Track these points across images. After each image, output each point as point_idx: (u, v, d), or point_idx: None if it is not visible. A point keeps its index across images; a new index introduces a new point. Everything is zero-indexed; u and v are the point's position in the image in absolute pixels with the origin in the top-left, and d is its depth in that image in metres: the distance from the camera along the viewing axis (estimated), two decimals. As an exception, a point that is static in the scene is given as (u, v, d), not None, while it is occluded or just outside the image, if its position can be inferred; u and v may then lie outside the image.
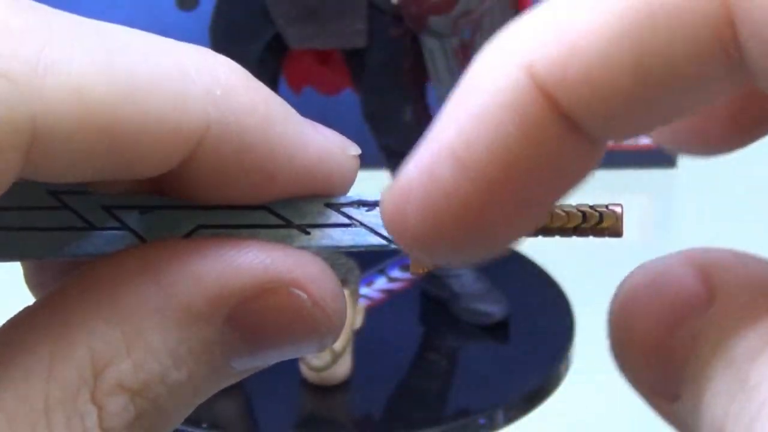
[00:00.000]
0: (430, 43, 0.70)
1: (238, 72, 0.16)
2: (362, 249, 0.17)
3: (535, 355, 0.74)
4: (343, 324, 0.17)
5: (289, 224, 0.17)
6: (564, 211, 0.17)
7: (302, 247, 0.17)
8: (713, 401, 0.13)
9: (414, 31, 0.70)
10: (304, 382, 0.69)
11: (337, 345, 0.68)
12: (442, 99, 0.75)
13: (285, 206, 0.17)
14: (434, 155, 0.15)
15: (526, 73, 0.14)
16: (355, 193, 0.17)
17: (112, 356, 0.15)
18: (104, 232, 0.16)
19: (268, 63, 0.72)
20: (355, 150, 0.18)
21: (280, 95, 0.63)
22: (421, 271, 0.18)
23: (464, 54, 0.71)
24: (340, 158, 0.17)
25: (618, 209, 0.16)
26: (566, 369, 0.72)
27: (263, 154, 0.16)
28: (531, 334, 0.77)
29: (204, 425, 0.65)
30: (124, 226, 0.16)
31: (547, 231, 0.17)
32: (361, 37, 0.70)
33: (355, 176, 0.18)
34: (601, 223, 0.16)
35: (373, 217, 0.17)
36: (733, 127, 0.16)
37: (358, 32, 0.70)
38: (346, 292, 0.70)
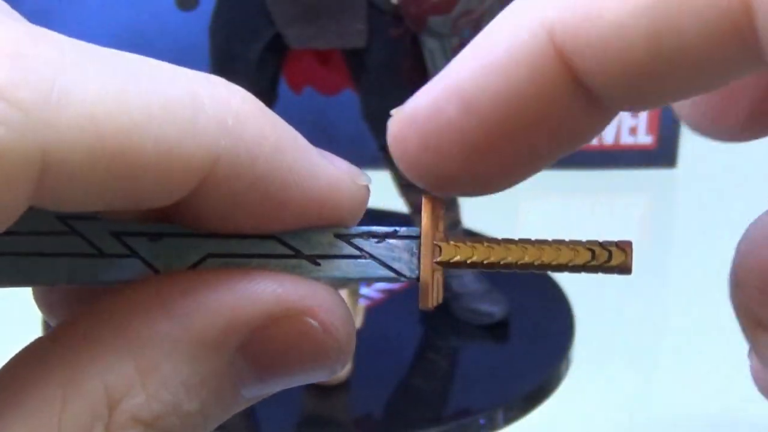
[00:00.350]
0: (430, 43, 0.70)
1: (250, 101, 0.16)
2: (372, 281, 0.18)
3: (535, 355, 0.74)
4: (352, 350, 0.17)
5: (298, 254, 0.17)
6: (573, 248, 0.17)
7: (312, 278, 0.17)
8: None
9: (414, 31, 0.70)
10: (304, 382, 0.69)
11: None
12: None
13: (295, 236, 0.17)
14: (442, 91, 0.16)
15: (546, 31, 0.15)
16: (366, 220, 0.18)
17: (127, 389, 0.15)
18: (113, 259, 0.17)
19: (268, 63, 0.72)
20: (365, 180, 0.18)
21: (280, 95, 0.64)
22: (430, 306, 0.18)
23: (464, 54, 0.71)
24: (350, 188, 0.17)
25: (628, 246, 0.16)
26: (566, 369, 0.72)
27: (274, 184, 0.16)
28: (531, 334, 0.77)
29: (204, 425, 0.64)
30: (133, 253, 0.17)
31: (555, 267, 0.17)
32: (361, 37, 0.70)
33: (366, 206, 0.18)
34: (610, 261, 0.16)
35: (383, 249, 0.17)
36: (757, 115, 0.17)
37: (358, 32, 0.70)
38: (347, 292, 0.70)
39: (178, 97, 0.15)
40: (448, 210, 0.79)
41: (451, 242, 0.17)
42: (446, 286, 0.81)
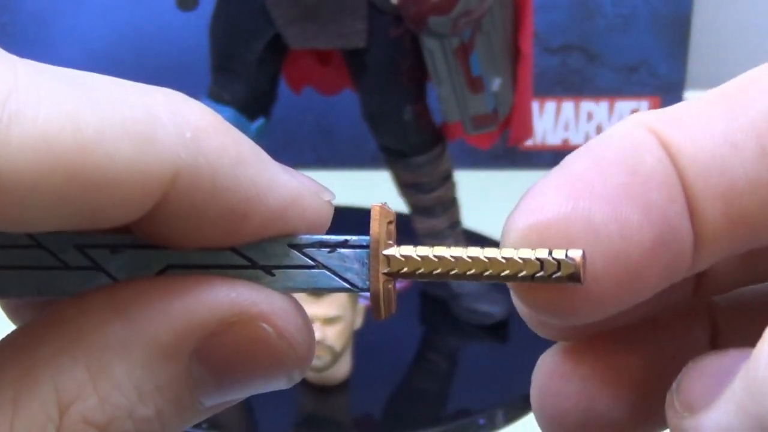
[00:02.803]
0: (430, 43, 0.70)
1: (208, 115, 0.16)
2: (326, 291, 0.17)
3: (535, 355, 0.74)
4: (310, 357, 0.17)
5: (254, 265, 0.17)
6: (522, 259, 0.16)
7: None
8: None
9: (414, 32, 0.70)
10: (304, 382, 0.69)
11: (337, 345, 0.68)
12: (442, 99, 0.75)
13: (251, 247, 0.17)
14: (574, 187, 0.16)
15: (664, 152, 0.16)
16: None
17: (78, 392, 0.15)
18: (78, 272, 0.17)
19: (268, 63, 0.72)
20: (329, 195, 0.18)
21: (280, 95, 0.64)
22: (383, 316, 0.18)
23: (464, 54, 0.71)
24: (313, 201, 0.17)
25: (578, 255, 0.16)
26: (566, 369, 0.72)
27: (236, 196, 0.16)
28: (531, 334, 0.77)
29: (204, 425, 0.64)
30: (96, 266, 0.17)
31: (504, 278, 0.17)
32: (361, 37, 0.70)
33: (329, 220, 0.18)
34: (558, 272, 0.16)
35: (335, 259, 0.17)
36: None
37: (358, 32, 0.70)
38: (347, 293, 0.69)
39: (133, 113, 0.15)
40: (447, 210, 0.79)
41: (400, 253, 0.17)
42: (446, 287, 0.81)
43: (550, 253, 0.16)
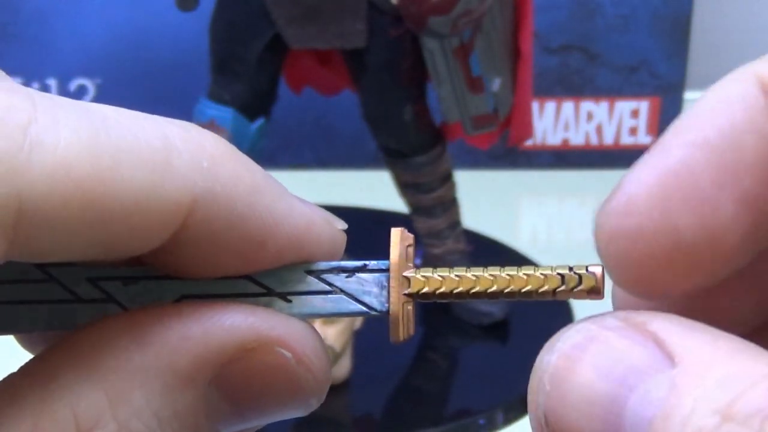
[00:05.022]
0: (430, 44, 0.70)
1: (222, 144, 0.16)
2: (344, 316, 0.18)
3: (535, 355, 0.74)
4: (328, 384, 0.17)
5: (270, 292, 0.17)
6: (542, 275, 0.16)
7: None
8: None
9: (414, 32, 0.70)
10: (304, 382, 0.69)
11: (337, 345, 0.68)
12: (442, 99, 0.75)
13: (266, 274, 0.17)
14: (666, 146, 0.15)
15: (755, 77, 0.15)
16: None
17: (97, 419, 0.15)
18: (90, 304, 0.17)
19: (268, 63, 0.72)
20: (341, 224, 0.18)
21: (280, 95, 0.64)
22: (402, 339, 0.18)
23: (464, 54, 0.71)
24: (327, 229, 0.17)
25: (598, 271, 0.16)
26: (566, 369, 0.72)
27: (252, 224, 0.16)
28: (531, 334, 0.77)
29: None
30: (109, 298, 0.17)
31: (525, 294, 0.17)
32: (361, 37, 0.70)
33: (343, 248, 0.18)
34: (579, 286, 0.16)
35: (353, 284, 0.17)
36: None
37: (358, 32, 0.70)
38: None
39: (150, 141, 0.15)
40: (447, 210, 0.79)
41: (420, 274, 0.17)
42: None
43: (571, 269, 0.16)
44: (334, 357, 0.68)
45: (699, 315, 0.16)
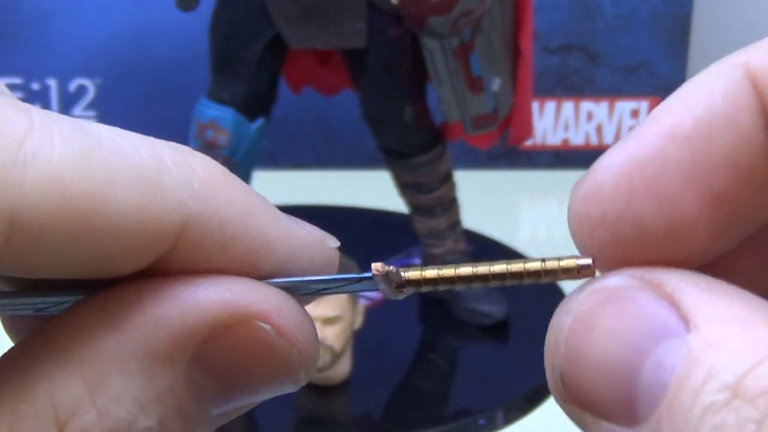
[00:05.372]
0: (430, 44, 0.70)
1: (214, 166, 0.16)
2: (334, 292, 0.17)
3: (535, 355, 0.74)
4: (315, 356, 0.17)
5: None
6: (524, 261, 0.16)
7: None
8: None
9: (414, 32, 0.70)
10: (304, 382, 0.69)
11: (337, 345, 0.68)
12: (442, 99, 0.75)
13: None
14: (642, 133, 0.15)
15: (742, 69, 0.15)
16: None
17: (76, 407, 0.15)
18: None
19: (268, 63, 0.72)
20: (334, 243, 0.18)
21: (280, 95, 0.64)
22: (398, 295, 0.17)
23: (464, 54, 0.71)
24: (320, 249, 0.17)
25: (588, 261, 0.16)
26: (566, 369, 0.72)
27: (245, 247, 0.16)
28: (531, 334, 0.77)
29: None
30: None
31: (511, 276, 0.16)
32: (360, 37, 0.70)
33: (336, 268, 0.18)
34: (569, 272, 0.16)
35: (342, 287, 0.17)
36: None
37: (357, 32, 0.70)
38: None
39: (143, 161, 0.15)
40: (447, 210, 0.79)
41: (408, 274, 0.17)
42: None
43: (560, 259, 0.16)
44: (334, 357, 0.68)
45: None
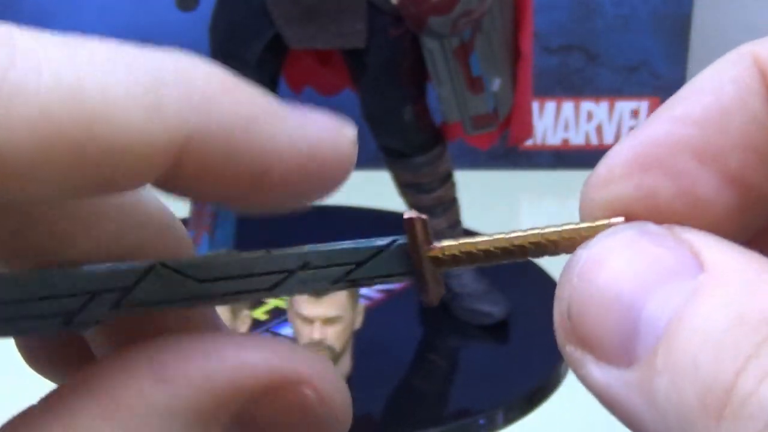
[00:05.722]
0: (430, 44, 0.70)
1: (216, 74, 0.15)
2: (369, 283, 0.17)
3: (535, 355, 0.74)
4: (349, 420, 0.17)
5: (290, 274, 0.17)
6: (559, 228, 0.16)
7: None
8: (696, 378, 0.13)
9: (414, 32, 0.70)
10: (304, 382, 0.69)
11: (337, 345, 0.68)
12: (442, 99, 0.75)
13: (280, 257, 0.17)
14: (653, 120, 0.15)
15: (751, 57, 0.15)
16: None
17: None
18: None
19: (268, 63, 0.72)
20: (350, 132, 0.17)
21: (280, 95, 0.64)
22: (435, 299, 0.17)
23: (464, 54, 0.71)
24: (334, 146, 0.17)
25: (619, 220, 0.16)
26: (566, 369, 0.72)
27: (251, 156, 0.15)
28: (531, 334, 0.77)
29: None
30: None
31: (545, 246, 0.16)
32: (360, 37, 0.70)
33: (354, 161, 0.17)
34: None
35: (374, 261, 0.17)
36: None
37: (357, 32, 0.70)
38: (346, 293, 0.70)
39: (138, 81, 0.14)
40: (447, 210, 0.79)
41: (442, 244, 0.17)
42: (446, 287, 0.81)
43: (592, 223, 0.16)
44: (334, 357, 0.68)
45: None
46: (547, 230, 0.16)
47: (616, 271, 0.15)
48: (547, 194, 1.09)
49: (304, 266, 0.17)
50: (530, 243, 0.16)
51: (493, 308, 0.78)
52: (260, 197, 0.16)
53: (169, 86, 0.15)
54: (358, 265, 0.17)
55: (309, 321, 0.67)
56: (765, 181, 0.15)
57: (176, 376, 0.15)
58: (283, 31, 0.70)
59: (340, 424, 0.17)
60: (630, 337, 0.14)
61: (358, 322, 0.71)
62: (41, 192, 0.14)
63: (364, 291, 0.79)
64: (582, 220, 0.16)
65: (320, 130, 0.16)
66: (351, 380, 0.71)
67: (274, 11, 0.70)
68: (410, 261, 0.17)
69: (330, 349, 0.67)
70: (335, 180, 0.17)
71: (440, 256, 0.17)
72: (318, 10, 0.69)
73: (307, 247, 0.17)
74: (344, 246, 0.17)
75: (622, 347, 0.14)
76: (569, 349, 0.15)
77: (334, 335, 0.67)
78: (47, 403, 0.15)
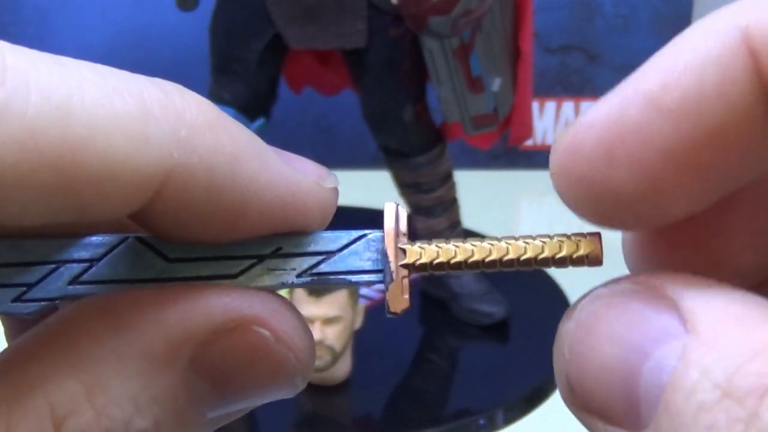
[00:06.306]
0: (430, 44, 0.70)
1: (205, 110, 0.15)
2: (337, 284, 0.17)
3: (535, 355, 0.74)
4: (312, 362, 0.17)
5: (261, 258, 0.16)
6: (541, 242, 0.16)
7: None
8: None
9: (414, 32, 0.70)
10: (304, 382, 0.69)
11: (337, 345, 0.68)
12: (442, 99, 0.75)
13: (258, 242, 0.16)
14: (627, 94, 0.15)
15: (740, 31, 0.14)
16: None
17: (73, 406, 0.15)
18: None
19: (268, 63, 0.72)
20: (332, 182, 0.17)
21: (280, 95, 0.63)
22: (399, 311, 0.17)
23: (464, 54, 0.71)
24: (315, 193, 0.17)
25: (596, 237, 0.16)
26: (566, 369, 0.72)
27: (232, 195, 0.15)
28: (531, 334, 0.77)
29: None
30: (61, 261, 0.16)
31: (523, 263, 0.16)
32: (361, 37, 0.70)
33: (334, 209, 0.17)
34: (578, 251, 0.16)
35: (347, 254, 0.17)
36: None
37: (358, 32, 0.70)
38: (346, 292, 0.70)
39: (126, 109, 0.14)
40: (447, 210, 0.79)
41: (416, 245, 0.17)
42: (446, 287, 0.81)
43: (569, 235, 0.16)
44: (334, 357, 0.68)
45: (708, 264, 0.16)
46: (519, 243, 0.16)
47: (605, 340, 0.15)
48: (547, 194, 1.09)
49: (276, 251, 0.17)
50: (505, 259, 0.17)
51: (493, 308, 0.78)
52: (233, 234, 0.16)
53: (158, 117, 0.15)
54: (329, 255, 0.17)
55: (309, 321, 0.67)
56: (732, 167, 0.14)
57: (128, 323, 0.15)
58: (283, 31, 0.70)
59: (301, 364, 0.17)
60: (633, 404, 0.14)
61: (358, 322, 0.71)
62: (23, 211, 0.14)
63: (364, 291, 0.79)
64: (552, 175, 0.16)
65: (302, 176, 0.16)
66: (351, 380, 0.71)
67: (274, 11, 0.70)
68: (382, 257, 0.17)
69: (330, 349, 0.67)
70: (312, 225, 0.17)
71: (411, 249, 0.17)
72: (318, 10, 0.69)
73: (282, 234, 0.17)
74: (317, 233, 0.17)
75: (629, 413, 0.14)
76: (580, 415, 0.15)
77: (334, 335, 0.67)
78: (2, 356, 0.15)
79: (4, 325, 0.18)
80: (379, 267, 0.17)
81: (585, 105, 1.12)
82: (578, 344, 0.15)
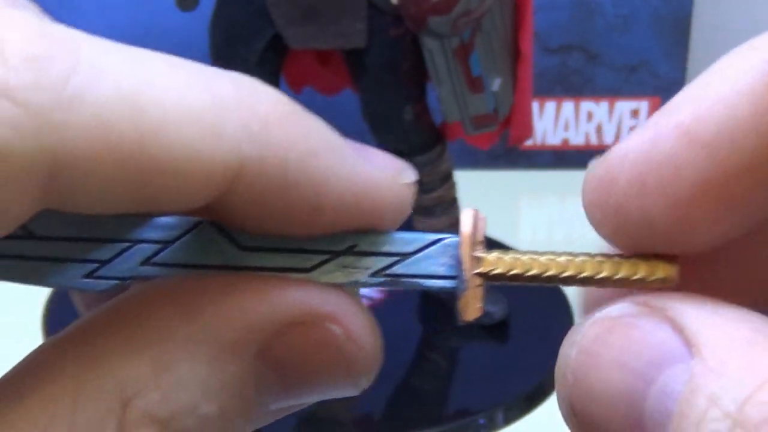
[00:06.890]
0: (430, 44, 0.70)
1: (279, 104, 0.15)
2: (410, 287, 0.17)
3: (535, 355, 0.74)
4: (379, 362, 0.17)
5: (335, 254, 0.16)
6: (617, 261, 0.16)
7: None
8: None
9: (414, 32, 0.70)
10: (304, 382, 0.69)
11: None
12: (442, 99, 0.75)
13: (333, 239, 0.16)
14: (660, 127, 0.15)
15: None
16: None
17: (141, 386, 0.15)
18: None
19: (268, 63, 0.72)
20: (408, 176, 0.17)
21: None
22: (472, 318, 0.17)
23: (464, 54, 0.71)
24: (391, 188, 0.16)
25: (673, 259, 0.15)
26: (566, 369, 0.72)
27: (306, 190, 0.15)
28: (531, 334, 0.77)
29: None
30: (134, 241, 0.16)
31: (598, 282, 0.16)
32: (361, 37, 0.70)
33: (410, 206, 0.17)
34: (654, 275, 0.16)
35: (421, 258, 0.17)
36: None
37: (358, 32, 0.70)
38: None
39: (199, 100, 0.14)
40: (447, 210, 0.79)
41: (493, 254, 0.16)
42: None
43: (645, 257, 0.16)
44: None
45: (714, 281, 0.16)
46: (596, 261, 0.16)
47: (608, 365, 0.15)
48: (547, 194, 1.09)
49: (350, 248, 0.17)
50: (580, 277, 0.16)
51: (493, 308, 0.78)
52: (306, 230, 0.16)
53: (231, 111, 0.14)
54: (404, 257, 0.17)
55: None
56: (765, 197, 0.14)
57: (200, 308, 0.15)
58: (283, 31, 0.70)
59: (368, 363, 0.17)
60: (638, 428, 0.14)
61: (358, 322, 0.71)
62: (94, 200, 0.14)
63: (364, 291, 0.79)
64: (584, 207, 0.16)
65: (378, 170, 0.16)
66: (351, 380, 0.71)
67: (274, 11, 0.70)
68: (457, 264, 0.17)
69: (330, 349, 0.67)
70: (387, 222, 0.17)
71: (487, 258, 0.16)
72: (318, 10, 0.69)
73: (356, 232, 0.17)
74: (392, 233, 0.17)
75: None
76: None
77: (334, 335, 0.67)
78: (68, 335, 0.15)
79: (75, 300, 0.18)
80: (453, 273, 0.17)
81: (585, 105, 1.12)
82: (581, 370, 0.15)
